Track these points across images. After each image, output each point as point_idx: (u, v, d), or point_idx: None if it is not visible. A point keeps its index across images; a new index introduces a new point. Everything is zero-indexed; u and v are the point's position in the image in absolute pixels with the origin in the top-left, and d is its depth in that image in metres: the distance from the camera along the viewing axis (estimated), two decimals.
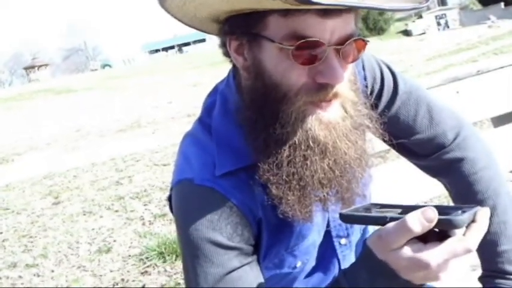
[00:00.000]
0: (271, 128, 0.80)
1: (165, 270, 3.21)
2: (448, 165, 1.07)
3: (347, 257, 1.07)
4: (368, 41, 0.83)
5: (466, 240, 0.65)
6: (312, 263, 1.03)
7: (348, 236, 1.05)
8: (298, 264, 1.00)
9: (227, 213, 0.86)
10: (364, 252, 0.73)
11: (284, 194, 0.82)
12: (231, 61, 0.91)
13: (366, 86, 1.01)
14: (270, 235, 0.93)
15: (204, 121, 0.96)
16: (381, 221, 0.69)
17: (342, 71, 0.78)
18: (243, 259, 0.87)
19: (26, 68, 58.93)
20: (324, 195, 0.85)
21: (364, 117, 0.88)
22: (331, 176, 0.82)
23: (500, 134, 1.72)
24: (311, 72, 0.78)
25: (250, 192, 0.88)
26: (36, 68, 56.04)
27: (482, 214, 0.67)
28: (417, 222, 0.64)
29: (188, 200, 0.89)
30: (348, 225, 1.04)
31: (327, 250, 1.04)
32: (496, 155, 1.09)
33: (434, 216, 0.63)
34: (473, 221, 0.66)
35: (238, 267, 0.86)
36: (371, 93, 1.02)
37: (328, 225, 1.01)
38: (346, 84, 0.83)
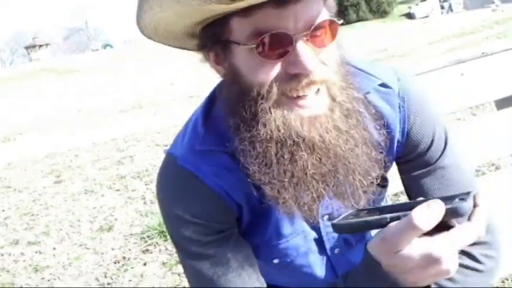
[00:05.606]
0: (254, 129, 0.77)
1: (166, 249, 3.24)
2: None
3: (342, 266, 1.01)
4: (339, 20, 0.78)
5: (474, 225, 0.62)
6: (294, 265, 0.99)
7: (343, 245, 1.00)
8: (275, 261, 0.98)
9: (203, 198, 0.88)
10: (365, 260, 0.70)
11: (279, 194, 0.79)
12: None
13: (404, 123, 0.93)
14: (249, 222, 0.94)
15: (209, 104, 0.95)
16: (382, 223, 0.64)
17: (312, 58, 0.73)
18: (220, 237, 0.90)
19: (27, 47, 58.56)
20: (320, 191, 0.80)
21: (355, 101, 0.82)
22: (324, 171, 0.78)
23: (503, 116, 1.72)
24: (284, 64, 0.75)
25: (233, 178, 0.87)
26: (37, 47, 55.71)
27: (481, 197, 0.65)
28: (425, 218, 0.59)
29: (168, 178, 0.92)
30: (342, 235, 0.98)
31: (320, 258, 1.00)
32: (498, 137, 1.09)
33: (441, 209, 0.59)
34: (474, 205, 0.63)
35: (215, 244, 0.90)
36: (406, 138, 0.94)
37: (320, 235, 0.97)
38: (331, 68, 0.78)
